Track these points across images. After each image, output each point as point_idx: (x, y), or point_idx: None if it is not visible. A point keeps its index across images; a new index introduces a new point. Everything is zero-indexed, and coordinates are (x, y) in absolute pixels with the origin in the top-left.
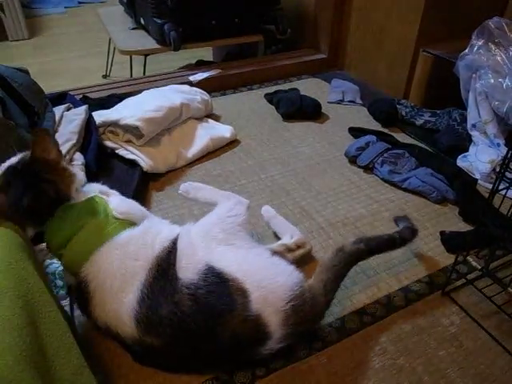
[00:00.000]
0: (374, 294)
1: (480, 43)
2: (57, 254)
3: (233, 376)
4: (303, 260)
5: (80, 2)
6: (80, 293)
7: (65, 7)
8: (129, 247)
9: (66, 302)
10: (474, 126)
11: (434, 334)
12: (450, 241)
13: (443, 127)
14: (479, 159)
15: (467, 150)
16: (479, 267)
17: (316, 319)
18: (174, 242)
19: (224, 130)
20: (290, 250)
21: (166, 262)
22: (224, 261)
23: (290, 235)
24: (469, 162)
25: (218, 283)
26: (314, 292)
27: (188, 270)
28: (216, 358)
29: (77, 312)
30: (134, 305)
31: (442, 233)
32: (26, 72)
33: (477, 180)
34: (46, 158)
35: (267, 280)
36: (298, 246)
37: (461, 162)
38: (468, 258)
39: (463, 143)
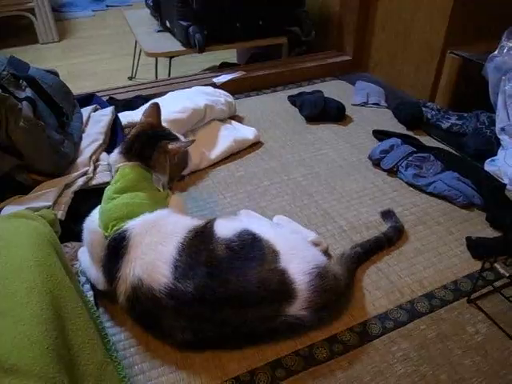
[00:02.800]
0: (396, 299)
1: (510, 44)
2: (110, 197)
3: (253, 377)
4: None
5: (108, 6)
6: (113, 249)
7: (93, 10)
8: (171, 218)
9: (91, 298)
10: (502, 129)
11: (458, 342)
12: (476, 247)
13: (470, 130)
14: (508, 163)
15: (495, 154)
16: (507, 274)
17: (338, 294)
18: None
19: (247, 132)
20: None
21: (203, 227)
22: (261, 229)
23: (304, 234)
24: (497, 166)
25: (251, 240)
26: (336, 272)
27: (225, 230)
28: (244, 307)
29: (103, 308)
30: (173, 254)
31: (469, 238)
32: (56, 74)
33: (505, 185)
34: (151, 122)
35: (297, 249)
36: (315, 244)
37: (488, 166)
38: (495, 264)
39: (491, 147)
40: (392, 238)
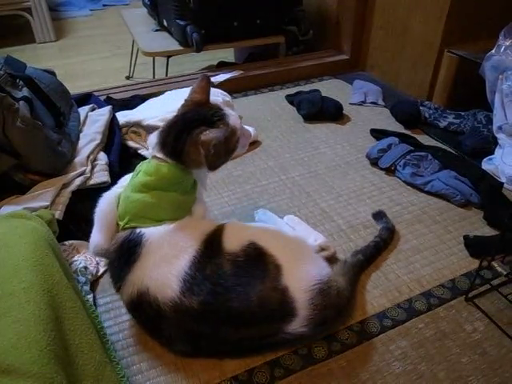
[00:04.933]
0: (395, 298)
1: (507, 43)
2: (140, 188)
3: (251, 376)
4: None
5: (104, 5)
6: (126, 250)
7: (90, 10)
8: (189, 229)
9: (89, 298)
10: (500, 128)
11: (456, 340)
12: (474, 245)
13: (468, 129)
14: (505, 162)
15: (493, 153)
16: (504, 273)
17: (340, 311)
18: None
19: None
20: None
21: (213, 236)
22: (267, 240)
23: (313, 238)
24: (494, 165)
25: (256, 255)
26: (340, 285)
27: (233, 240)
28: (244, 326)
29: (101, 308)
30: (185, 268)
31: (466, 237)
32: (53, 73)
33: (503, 183)
34: (198, 99)
35: (301, 262)
36: (322, 249)
37: (486, 164)
38: (493, 263)
39: (488, 146)
40: (387, 240)
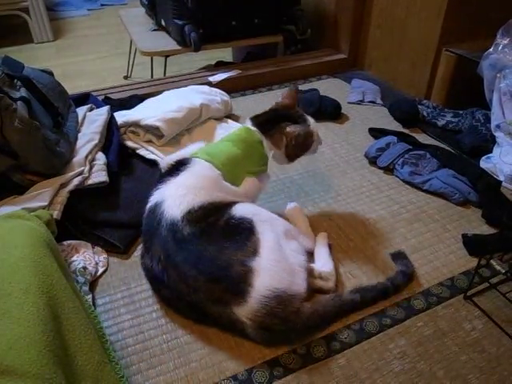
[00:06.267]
0: (393, 297)
1: (505, 42)
2: (226, 138)
3: (250, 375)
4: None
5: (102, 5)
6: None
7: (87, 9)
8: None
9: (88, 298)
10: (498, 126)
11: (455, 338)
12: (472, 243)
13: (466, 128)
14: (503, 161)
15: (491, 152)
16: (503, 271)
17: (288, 327)
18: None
19: None
20: (313, 275)
21: (228, 204)
22: (265, 232)
23: (321, 263)
24: (492, 163)
25: (247, 229)
26: (305, 310)
27: (242, 209)
28: (202, 277)
29: (100, 308)
30: (194, 204)
31: (465, 235)
32: (51, 73)
33: (501, 182)
34: (287, 103)
35: (278, 265)
36: (321, 277)
37: (484, 163)
38: (491, 261)
39: (487, 144)
40: (400, 286)
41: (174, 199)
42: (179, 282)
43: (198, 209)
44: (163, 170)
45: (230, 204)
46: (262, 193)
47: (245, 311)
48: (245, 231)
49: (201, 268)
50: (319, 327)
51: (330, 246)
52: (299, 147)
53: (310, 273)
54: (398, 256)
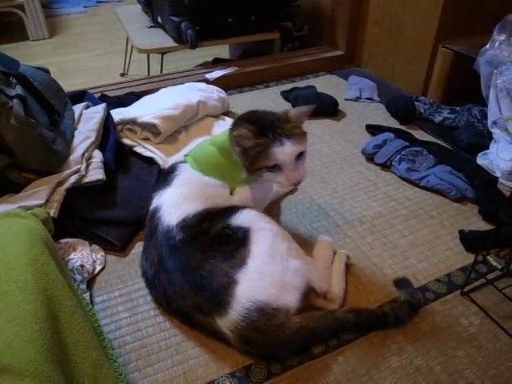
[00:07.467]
0: (391, 293)
1: (502, 38)
2: (211, 142)
3: (248, 372)
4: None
5: (98, 1)
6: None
7: (84, 7)
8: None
9: (86, 296)
10: (494, 122)
11: (452, 334)
12: (469, 240)
13: (463, 124)
14: (500, 157)
15: (487, 148)
16: (499, 267)
17: (269, 341)
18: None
19: None
20: (316, 292)
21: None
22: (258, 242)
23: (332, 283)
24: (489, 159)
25: (239, 239)
26: (290, 325)
27: (241, 217)
28: (188, 287)
29: (97, 306)
30: (190, 211)
31: (461, 231)
32: (47, 71)
33: (497, 178)
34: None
35: (264, 277)
36: (324, 297)
37: (481, 159)
38: (488, 257)
39: (483, 140)
40: (402, 318)
41: (170, 207)
42: (168, 288)
43: (192, 216)
44: (164, 171)
45: (231, 210)
46: (265, 202)
47: (226, 322)
48: (236, 241)
49: (187, 276)
50: (306, 343)
51: (346, 266)
52: (248, 157)
53: (312, 289)
54: (402, 284)
